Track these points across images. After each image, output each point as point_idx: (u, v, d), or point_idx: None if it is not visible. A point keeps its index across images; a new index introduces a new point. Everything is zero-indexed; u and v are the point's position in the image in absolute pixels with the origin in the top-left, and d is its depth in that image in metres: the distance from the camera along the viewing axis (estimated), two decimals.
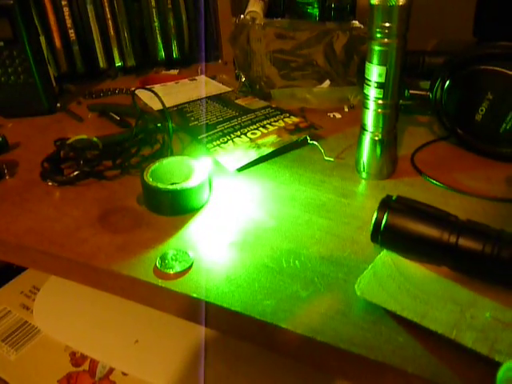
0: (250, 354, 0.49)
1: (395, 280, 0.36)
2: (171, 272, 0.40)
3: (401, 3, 0.43)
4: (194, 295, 0.38)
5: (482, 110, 0.53)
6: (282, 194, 0.51)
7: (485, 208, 0.47)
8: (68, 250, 0.44)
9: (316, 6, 0.95)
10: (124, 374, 0.50)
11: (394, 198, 0.38)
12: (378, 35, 0.45)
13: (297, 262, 0.41)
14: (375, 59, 0.46)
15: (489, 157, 0.55)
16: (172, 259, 0.41)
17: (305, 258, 0.41)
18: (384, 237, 0.37)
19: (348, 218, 0.46)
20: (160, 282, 0.39)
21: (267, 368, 0.48)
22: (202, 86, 0.81)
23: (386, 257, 0.38)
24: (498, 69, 0.50)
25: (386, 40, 0.45)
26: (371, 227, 0.38)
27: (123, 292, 0.43)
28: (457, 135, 0.57)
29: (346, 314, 0.35)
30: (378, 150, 0.51)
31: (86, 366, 0.51)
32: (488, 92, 0.52)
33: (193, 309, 0.39)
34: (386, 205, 0.37)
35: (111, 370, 0.51)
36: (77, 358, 0.52)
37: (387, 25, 0.44)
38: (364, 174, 0.53)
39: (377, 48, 0.46)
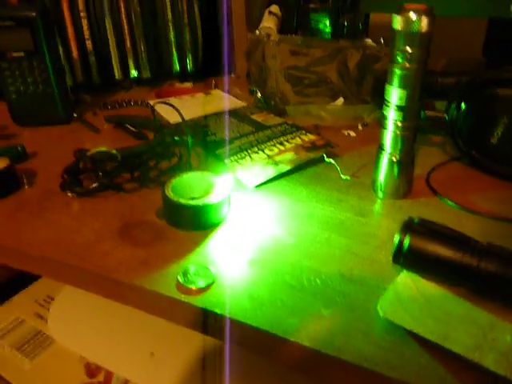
0: (270, 371, 0.50)
1: (416, 301, 0.36)
2: (194, 287, 0.41)
3: (423, 30, 0.44)
4: (218, 311, 0.38)
5: (497, 134, 0.54)
6: (300, 211, 0.52)
7: (499, 230, 0.48)
8: (88, 262, 0.45)
9: (329, 23, 0.97)
10: None
11: (416, 220, 0.39)
12: (400, 60, 0.46)
13: (318, 280, 0.41)
14: (396, 82, 0.47)
15: (503, 178, 0.56)
16: (194, 274, 0.42)
17: (325, 276, 0.42)
18: (407, 259, 0.38)
19: (366, 236, 0.47)
20: (182, 297, 0.40)
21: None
22: (217, 100, 0.82)
23: (406, 278, 0.39)
24: None
25: (407, 65, 0.46)
26: (393, 248, 0.39)
27: (145, 306, 0.43)
28: (471, 157, 0.58)
29: (367, 333, 0.36)
30: (396, 171, 0.52)
31: (100, 378, 0.52)
32: (504, 116, 0.53)
33: (215, 324, 0.39)
34: (408, 227, 0.38)
35: (126, 382, 0.51)
36: (92, 369, 0.52)
37: (409, 50, 0.45)
38: (380, 194, 0.53)
39: (398, 72, 0.47)
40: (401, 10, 0.44)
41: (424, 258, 0.37)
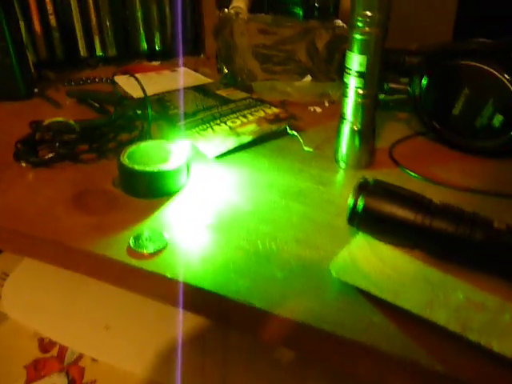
0: (226, 340, 0.49)
1: (369, 261, 0.36)
2: (145, 252, 0.39)
3: None
4: (168, 275, 0.37)
5: (459, 105, 0.54)
6: (260, 180, 0.51)
7: (459, 199, 0.47)
8: (40, 228, 0.43)
9: (300, 4, 0.96)
10: (94, 360, 0.49)
11: (370, 181, 0.39)
12: (360, 24, 0.45)
13: (273, 244, 0.40)
14: (356, 48, 0.47)
15: (465, 151, 0.56)
16: (146, 239, 0.41)
17: (281, 240, 0.41)
18: (361, 219, 0.37)
19: (325, 204, 0.46)
20: (133, 262, 0.39)
21: (242, 353, 0.48)
22: (183, 77, 0.80)
23: (361, 239, 0.38)
24: (474, 64, 0.51)
25: (367, 29, 0.45)
26: (348, 210, 0.38)
27: (95, 272, 0.42)
28: (434, 130, 0.58)
29: (320, 294, 0.35)
30: (357, 140, 0.51)
31: (54, 353, 0.50)
32: (465, 87, 0.53)
33: (166, 289, 0.38)
34: (363, 187, 0.38)
35: (80, 356, 0.49)
36: (45, 344, 0.51)
37: (369, 14, 0.45)
38: (342, 164, 0.53)
39: (358, 37, 0.46)
40: None
41: (378, 218, 0.37)
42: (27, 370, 0.49)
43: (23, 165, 0.54)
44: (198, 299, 0.37)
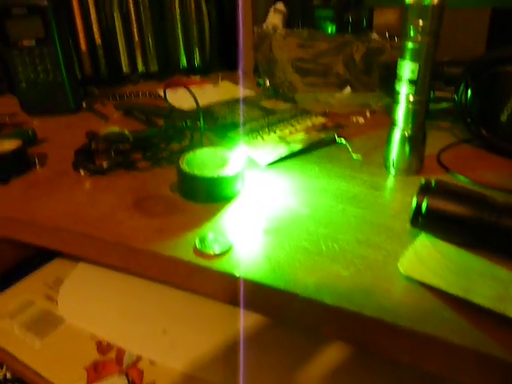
0: (287, 343, 0.49)
1: (436, 259, 0.37)
2: (211, 253, 0.41)
3: (435, 2, 0.45)
4: (237, 274, 0.38)
5: (506, 111, 0.55)
6: (313, 186, 0.52)
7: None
8: (104, 231, 0.45)
9: (334, 20, 0.99)
10: (152, 362, 0.50)
11: (433, 182, 0.39)
12: (412, 33, 0.47)
13: (335, 245, 0.41)
14: (408, 56, 0.48)
15: None
16: (211, 241, 0.42)
17: (342, 241, 0.42)
18: (425, 220, 0.38)
19: (380, 207, 0.47)
20: (201, 261, 0.40)
21: (302, 355, 0.48)
22: (225, 90, 0.83)
23: (424, 240, 0.39)
24: None
25: (419, 38, 0.47)
26: (412, 210, 0.39)
27: (162, 273, 0.43)
28: (481, 136, 0.58)
29: (388, 290, 0.36)
30: (408, 146, 0.52)
31: (112, 355, 0.51)
32: None
33: (234, 288, 0.39)
34: (426, 189, 0.38)
35: (139, 359, 0.50)
36: (103, 347, 0.52)
37: (421, 23, 0.46)
38: (393, 170, 0.54)
39: (410, 45, 0.47)
40: None
41: (443, 218, 0.38)
42: (87, 371, 0.50)
43: (82, 173, 0.56)
44: (267, 297, 0.38)
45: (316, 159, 0.58)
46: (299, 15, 1.01)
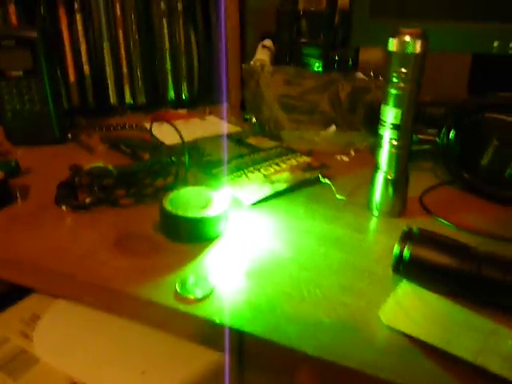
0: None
1: (417, 308, 0.37)
2: (192, 297, 0.40)
3: (417, 51, 0.46)
4: (217, 320, 0.38)
5: (487, 155, 0.56)
6: (297, 227, 0.52)
7: (495, 247, 0.48)
8: (84, 271, 0.44)
9: (320, 58, 1.01)
10: None
11: (415, 229, 0.40)
12: (395, 80, 0.48)
13: (317, 290, 0.41)
14: (391, 102, 0.49)
15: (494, 200, 0.57)
16: (192, 285, 0.41)
17: (325, 287, 0.42)
18: (407, 267, 0.38)
19: (364, 251, 0.47)
20: (181, 307, 0.39)
21: None
22: (212, 125, 0.83)
23: (406, 287, 0.39)
24: (502, 117, 0.53)
25: (402, 84, 0.48)
26: (394, 258, 0.39)
27: (141, 316, 0.43)
28: (462, 179, 0.59)
29: (370, 340, 0.36)
30: (391, 189, 0.53)
31: None
32: (493, 138, 0.55)
33: (213, 334, 0.39)
34: (408, 236, 0.39)
35: None
36: None
37: (404, 70, 0.47)
38: (376, 212, 0.54)
39: (393, 91, 0.49)
40: (396, 33, 0.47)
41: (425, 266, 0.38)
42: None
43: (64, 208, 0.56)
44: (247, 345, 0.38)
45: (301, 199, 0.58)
46: (287, 52, 1.03)
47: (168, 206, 0.49)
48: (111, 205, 0.56)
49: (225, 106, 0.97)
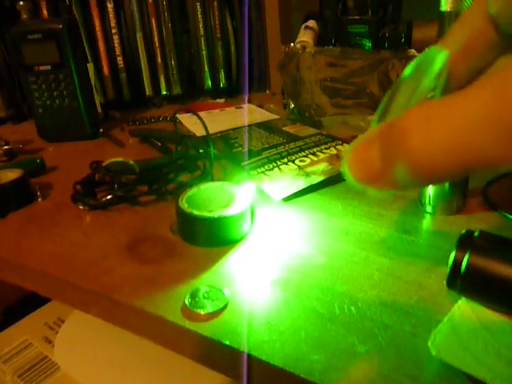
0: None
1: (480, 338, 0.28)
2: (202, 312, 0.34)
3: None
4: (227, 342, 0.32)
5: None
6: (334, 227, 0.44)
7: None
8: (91, 279, 0.40)
9: (369, 36, 0.91)
10: None
11: (476, 233, 0.31)
12: None
13: (352, 308, 0.34)
14: None
15: None
16: (204, 297, 0.36)
17: (362, 303, 0.34)
18: (465, 282, 0.30)
19: (412, 257, 0.39)
20: (187, 324, 0.33)
21: None
22: (248, 114, 0.77)
23: (465, 307, 0.31)
24: None
25: None
26: (448, 269, 0.31)
27: (146, 332, 0.37)
28: None
29: (415, 378, 0.28)
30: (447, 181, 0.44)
31: None
32: None
33: (223, 358, 0.33)
34: (467, 242, 0.30)
35: None
36: None
37: None
38: (429, 208, 0.45)
39: None
40: None
41: (487, 280, 0.29)
42: None
43: (81, 207, 0.52)
44: (261, 373, 0.31)
45: (340, 194, 0.50)
46: (332, 32, 0.94)
47: (183, 205, 0.43)
48: (130, 203, 0.52)
49: (265, 93, 0.90)
